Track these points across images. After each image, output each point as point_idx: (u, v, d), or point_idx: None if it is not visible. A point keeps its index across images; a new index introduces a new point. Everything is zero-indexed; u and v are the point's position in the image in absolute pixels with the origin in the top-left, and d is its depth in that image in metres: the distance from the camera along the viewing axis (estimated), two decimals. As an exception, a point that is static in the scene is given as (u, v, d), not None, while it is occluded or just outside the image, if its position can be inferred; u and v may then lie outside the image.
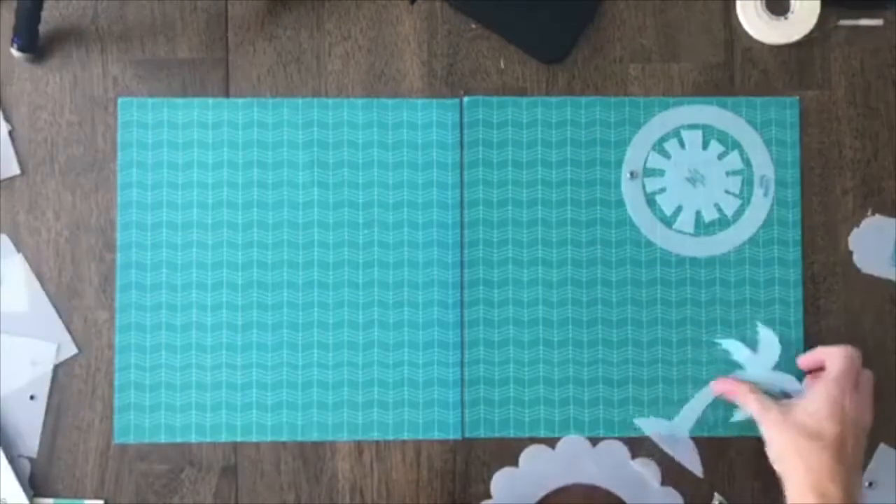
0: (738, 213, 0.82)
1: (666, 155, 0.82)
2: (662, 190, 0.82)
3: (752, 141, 0.83)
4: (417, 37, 0.83)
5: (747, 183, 0.82)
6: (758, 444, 0.77)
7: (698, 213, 0.82)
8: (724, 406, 0.81)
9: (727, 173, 0.82)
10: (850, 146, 0.83)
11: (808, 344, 0.81)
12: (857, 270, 0.82)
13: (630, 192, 0.82)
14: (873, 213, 0.83)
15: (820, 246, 0.82)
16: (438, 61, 0.83)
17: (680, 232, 0.82)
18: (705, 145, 0.82)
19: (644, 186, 0.82)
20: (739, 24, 0.83)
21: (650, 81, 0.83)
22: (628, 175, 0.82)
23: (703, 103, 0.82)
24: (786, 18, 0.83)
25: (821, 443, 0.72)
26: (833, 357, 0.76)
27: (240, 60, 0.82)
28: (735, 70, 0.83)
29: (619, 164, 0.82)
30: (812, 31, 0.83)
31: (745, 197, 0.82)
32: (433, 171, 0.82)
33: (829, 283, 0.82)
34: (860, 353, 0.76)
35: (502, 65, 0.83)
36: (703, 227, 0.82)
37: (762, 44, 0.83)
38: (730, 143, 0.83)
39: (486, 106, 0.82)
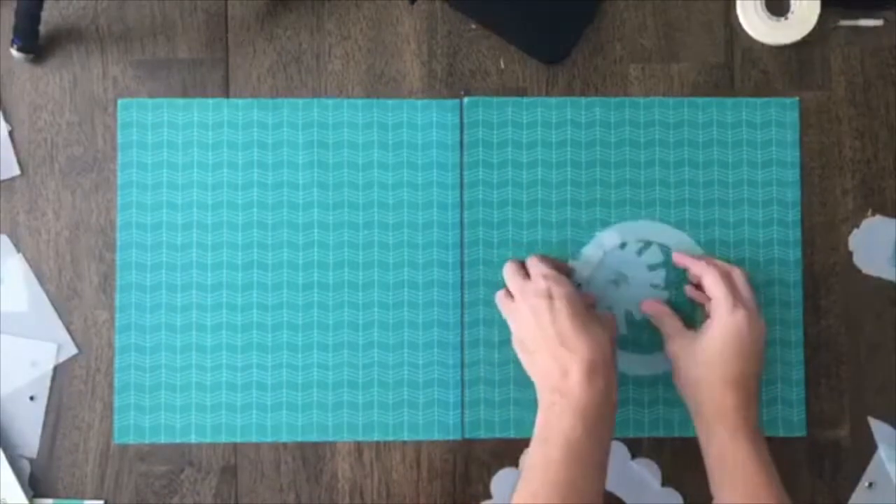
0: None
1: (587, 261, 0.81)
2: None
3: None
4: (417, 37, 0.83)
5: (671, 270, 0.81)
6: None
7: (628, 313, 0.81)
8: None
9: (648, 267, 0.81)
10: (850, 146, 0.83)
11: (808, 344, 0.81)
12: (857, 270, 0.82)
13: None
14: (873, 214, 0.83)
15: (820, 246, 0.82)
16: (438, 61, 0.83)
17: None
18: (623, 245, 0.81)
19: None
20: (739, 25, 0.83)
21: (650, 81, 0.83)
22: None
23: (704, 103, 0.82)
24: (786, 19, 0.83)
25: (726, 381, 0.72)
26: (710, 284, 0.75)
27: (240, 60, 0.82)
28: (735, 70, 0.83)
29: (620, 164, 0.82)
30: (812, 32, 0.82)
31: (670, 288, 0.81)
32: (433, 172, 0.82)
33: (829, 283, 0.82)
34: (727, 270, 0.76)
35: (502, 65, 0.83)
36: (634, 324, 0.81)
37: (762, 44, 0.83)
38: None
39: (486, 106, 0.82)
